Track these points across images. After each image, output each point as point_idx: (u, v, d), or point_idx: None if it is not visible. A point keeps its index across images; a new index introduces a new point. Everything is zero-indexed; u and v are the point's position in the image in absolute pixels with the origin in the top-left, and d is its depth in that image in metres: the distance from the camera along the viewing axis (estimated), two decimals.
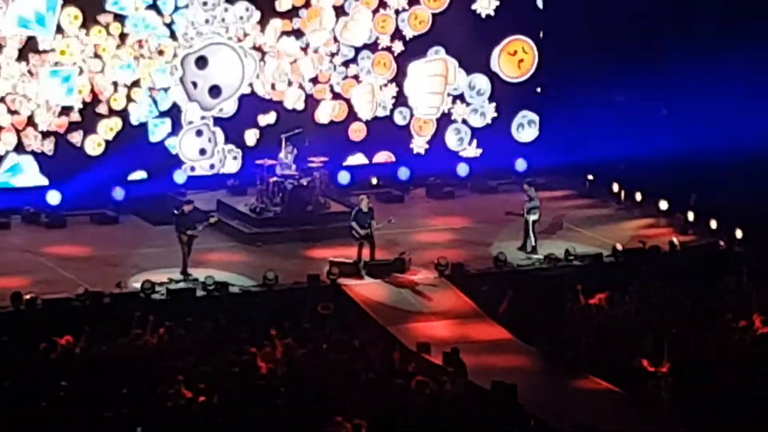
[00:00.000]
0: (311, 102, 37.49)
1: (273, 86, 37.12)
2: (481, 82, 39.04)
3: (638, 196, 36.41)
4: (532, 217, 33.37)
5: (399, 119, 38.25)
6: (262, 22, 36.85)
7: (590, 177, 37.98)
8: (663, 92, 38.05)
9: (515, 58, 39.40)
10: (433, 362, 27.89)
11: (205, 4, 36.13)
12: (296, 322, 29.08)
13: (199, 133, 36.49)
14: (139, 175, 36.08)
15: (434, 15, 38.24)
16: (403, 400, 26.11)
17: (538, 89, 40.43)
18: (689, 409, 26.25)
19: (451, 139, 38.84)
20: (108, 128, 35.66)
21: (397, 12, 37.90)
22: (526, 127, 39.62)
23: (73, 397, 25.86)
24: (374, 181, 37.44)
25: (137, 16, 35.66)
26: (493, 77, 39.17)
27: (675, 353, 27.80)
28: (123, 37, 35.70)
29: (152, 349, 27.86)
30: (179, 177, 35.90)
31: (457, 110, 38.69)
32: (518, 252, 33.34)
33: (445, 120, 38.65)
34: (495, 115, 39.26)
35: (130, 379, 26.36)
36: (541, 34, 39.46)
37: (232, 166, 37.11)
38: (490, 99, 39.12)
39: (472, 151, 38.89)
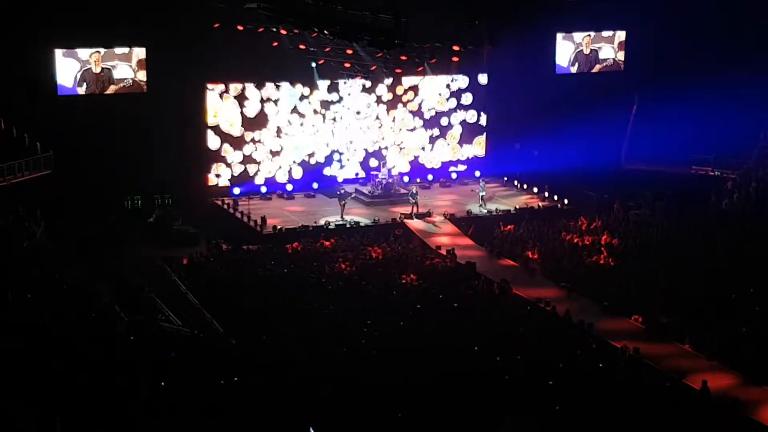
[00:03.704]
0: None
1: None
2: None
3: (525, 186, 35.17)
4: (481, 193, 32.69)
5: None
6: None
7: (505, 178, 36.11)
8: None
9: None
10: (442, 254, 27.82)
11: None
12: (386, 237, 29.10)
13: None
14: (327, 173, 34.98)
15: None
16: (430, 268, 26.50)
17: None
18: (548, 274, 26.18)
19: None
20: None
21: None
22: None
23: (295, 265, 26.11)
24: (418, 180, 35.85)
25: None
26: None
27: (542, 249, 27.83)
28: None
29: (327, 248, 28.04)
30: (339, 178, 34.95)
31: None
32: (479, 207, 32.34)
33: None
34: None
35: (318, 260, 26.63)
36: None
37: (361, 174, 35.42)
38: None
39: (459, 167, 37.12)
